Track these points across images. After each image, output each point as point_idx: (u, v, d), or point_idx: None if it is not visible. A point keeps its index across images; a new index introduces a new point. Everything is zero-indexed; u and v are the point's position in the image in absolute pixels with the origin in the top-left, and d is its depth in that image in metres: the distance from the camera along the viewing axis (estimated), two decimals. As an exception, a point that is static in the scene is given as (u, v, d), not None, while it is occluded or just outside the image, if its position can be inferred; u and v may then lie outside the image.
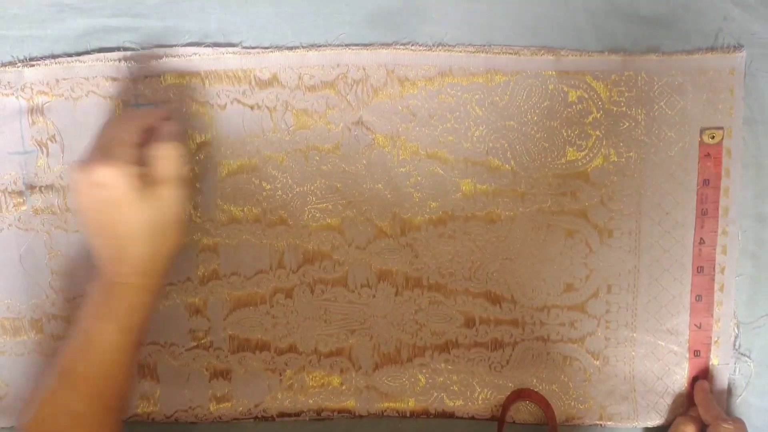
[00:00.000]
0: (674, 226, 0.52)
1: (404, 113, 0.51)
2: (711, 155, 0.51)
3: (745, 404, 0.53)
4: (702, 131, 0.50)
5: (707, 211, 0.51)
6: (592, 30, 0.51)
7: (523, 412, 0.53)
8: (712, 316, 0.52)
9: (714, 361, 0.52)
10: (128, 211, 0.43)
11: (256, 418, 0.54)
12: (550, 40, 0.51)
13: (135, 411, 0.54)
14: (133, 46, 0.52)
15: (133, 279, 0.44)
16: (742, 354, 0.53)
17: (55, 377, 0.44)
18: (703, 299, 0.52)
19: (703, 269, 0.52)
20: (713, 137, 0.50)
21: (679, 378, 0.52)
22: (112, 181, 0.42)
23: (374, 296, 0.53)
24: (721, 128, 0.50)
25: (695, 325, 0.52)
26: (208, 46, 0.51)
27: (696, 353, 0.52)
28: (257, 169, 0.52)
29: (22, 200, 0.53)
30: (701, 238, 0.51)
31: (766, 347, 0.53)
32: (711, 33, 0.50)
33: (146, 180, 0.43)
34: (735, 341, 0.52)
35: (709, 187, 0.51)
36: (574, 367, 0.53)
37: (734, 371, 0.53)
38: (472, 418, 0.54)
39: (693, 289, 0.52)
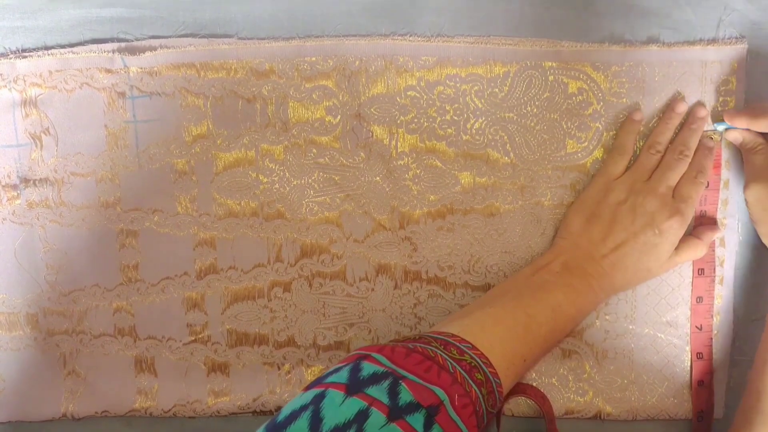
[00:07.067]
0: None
1: (402, 105, 0.51)
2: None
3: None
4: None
5: (706, 212, 0.51)
6: (593, 20, 0.50)
7: (522, 405, 0.53)
8: (712, 317, 0.52)
9: (714, 356, 0.52)
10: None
11: (254, 412, 0.54)
12: (550, 30, 0.50)
13: (133, 406, 0.54)
14: (127, 37, 0.51)
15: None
16: (740, 348, 0.52)
17: (518, 317, 0.45)
18: (704, 301, 0.52)
19: (704, 271, 0.52)
20: (714, 133, 0.50)
21: (679, 371, 0.52)
22: None
23: (373, 290, 0.53)
24: (722, 120, 0.50)
25: (696, 327, 0.52)
26: (204, 36, 0.51)
27: (699, 356, 0.52)
28: (254, 162, 0.52)
29: (16, 194, 0.52)
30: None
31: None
32: (712, 24, 0.50)
33: None
34: (734, 335, 0.52)
35: (707, 185, 0.51)
36: (573, 360, 0.53)
37: (733, 365, 0.53)
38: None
39: (694, 291, 0.52)
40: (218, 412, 0.54)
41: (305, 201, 0.52)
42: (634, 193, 0.48)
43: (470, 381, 0.39)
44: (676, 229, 0.47)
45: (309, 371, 0.54)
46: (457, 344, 0.41)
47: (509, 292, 0.47)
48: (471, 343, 0.42)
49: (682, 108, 0.49)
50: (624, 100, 0.50)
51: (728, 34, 0.50)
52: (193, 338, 0.53)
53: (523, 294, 0.46)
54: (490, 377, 0.41)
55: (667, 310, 0.52)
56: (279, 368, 0.54)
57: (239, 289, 0.53)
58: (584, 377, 0.53)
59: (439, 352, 0.40)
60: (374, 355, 0.39)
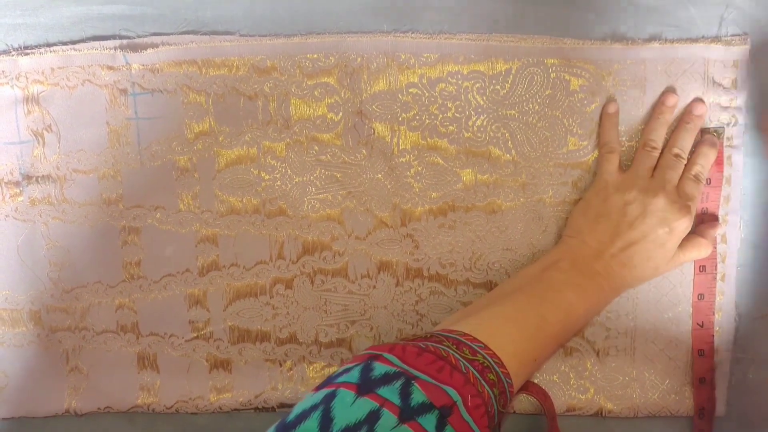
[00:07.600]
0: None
1: (404, 102, 0.51)
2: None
3: (746, 395, 0.53)
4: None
5: (708, 209, 0.51)
6: (595, 18, 0.50)
7: (524, 402, 0.53)
8: (714, 314, 0.52)
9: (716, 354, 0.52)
10: None
11: (256, 408, 0.54)
12: (552, 28, 0.50)
13: (135, 402, 0.54)
14: (129, 34, 0.51)
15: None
16: (742, 345, 0.52)
17: (529, 317, 0.45)
18: (705, 298, 0.52)
19: (705, 268, 0.51)
20: (716, 131, 0.50)
21: (681, 368, 0.52)
22: None
23: (374, 287, 0.53)
24: (723, 117, 0.50)
25: (698, 324, 0.52)
26: (205, 34, 0.51)
27: (700, 353, 0.52)
28: (256, 159, 0.52)
29: (18, 191, 0.52)
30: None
31: (766, 338, 0.52)
32: (714, 21, 0.50)
33: None
34: (735, 332, 0.52)
35: (710, 182, 0.51)
36: (574, 358, 0.53)
37: (735, 362, 0.53)
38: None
39: (695, 288, 0.52)
40: (220, 409, 0.54)
41: (307, 198, 0.52)
42: (642, 192, 0.48)
43: (483, 381, 0.39)
44: (686, 226, 0.48)
45: (311, 368, 0.54)
46: (470, 344, 0.41)
47: (519, 290, 0.47)
48: (483, 343, 0.42)
49: (672, 101, 0.49)
50: (626, 97, 0.50)
51: (731, 32, 0.50)
52: (195, 335, 0.54)
53: (533, 293, 0.46)
54: (503, 378, 0.41)
55: (669, 308, 0.52)
56: (281, 365, 0.54)
57: (241, 286, 0.53)
58: (586, 374, 0.53)
59: (451, 351, 0.40)
60: (385, 355, 0.39)
